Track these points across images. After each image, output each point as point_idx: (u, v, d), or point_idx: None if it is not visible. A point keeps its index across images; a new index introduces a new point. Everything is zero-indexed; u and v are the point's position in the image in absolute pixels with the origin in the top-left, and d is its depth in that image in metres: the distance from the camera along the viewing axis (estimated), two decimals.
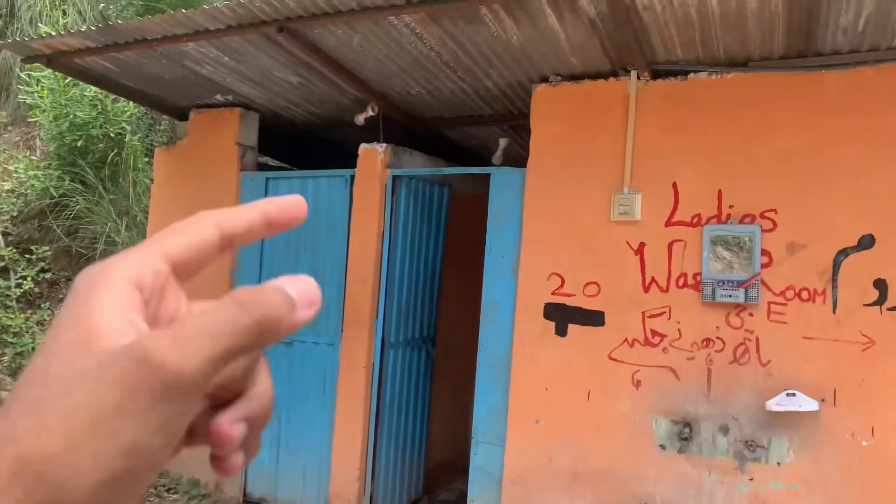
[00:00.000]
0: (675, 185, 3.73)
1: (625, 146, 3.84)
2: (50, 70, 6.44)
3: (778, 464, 3.42)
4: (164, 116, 7.34)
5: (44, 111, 6.89)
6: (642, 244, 3.79)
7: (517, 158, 5.21)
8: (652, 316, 3.73)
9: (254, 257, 5.15)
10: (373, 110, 4.73)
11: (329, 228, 4.88)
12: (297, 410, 4.94)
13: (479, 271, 4.37)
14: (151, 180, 5.95)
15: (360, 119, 4.79)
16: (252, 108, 5.31)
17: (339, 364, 4.73)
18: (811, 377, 3.38)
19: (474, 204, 5.42)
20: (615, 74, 3.93)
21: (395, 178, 4.69)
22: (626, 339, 3.78)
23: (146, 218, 6.17)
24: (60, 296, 6.88)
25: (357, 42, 3.86)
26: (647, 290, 3.76)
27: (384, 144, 4.68)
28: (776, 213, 3.50)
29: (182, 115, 5.59)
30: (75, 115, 6.82)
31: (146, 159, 7.25)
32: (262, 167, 5.71)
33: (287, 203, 0.37)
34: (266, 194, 5.09)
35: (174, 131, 6.90)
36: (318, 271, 4.92)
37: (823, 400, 3.35)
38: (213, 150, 5.30)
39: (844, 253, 3.36)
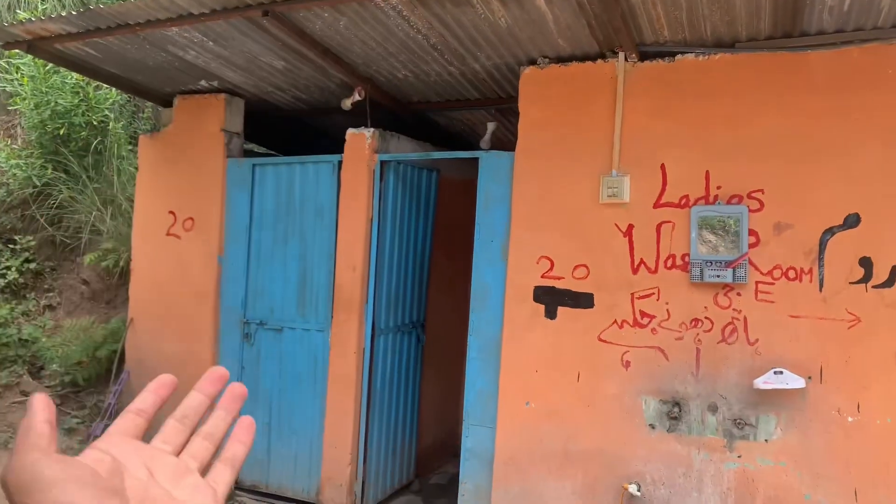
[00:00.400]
0: (662, 167, 3.74)
1: (613, 128, 3.84)
2: (30, 57, 6.35)
3: (766, 441, 3.47)
4: (148, 103, 7.26)
5: (24, 99, 6.78)
6: (631, 226, 3.80)
7: (505, 143, 5.20)
8: (641, 297, 3.76)
9: (241, 245, 5.12)
10: (360, 95, 4.70)
11: (317, 214, 4.86)
12: (288, 397, 4.94)
13: (468, 256, 4.38)
14: (136, 168, 5.89)
15: (346, 104, 4.76)
16: (237, 94, 5.26)
17: (330, 350, 4.73)
18: (798, 355, 3.42)
19: (463, 189, 5.42)
20: (603, 56, 3.92)
21: (382, 163, 4.67)
22: (615, 321, 3.81)
23: (131, 206, 6.12)
24: (45, 286, 6.82)
25: (343, 25, 3.83)
26: (635, 271, 3.78)
27: (372, 129, 4.66)
28: (763, 193, 3.53)
29: (166, 102, 5.53)
30: (57, 102, 6.72)
31: (130, 147, 7.17)
32: (248, 154, 5.67)
33: (158, 380, 0.59)
34: (253, 181, 5.07)
35: (158, 118, 6.83)
36: (306, 257, 4.91)
37: (810, 377, 3.39)
38: (199, 136, 5.26)
39: (830, 232, 3.39)
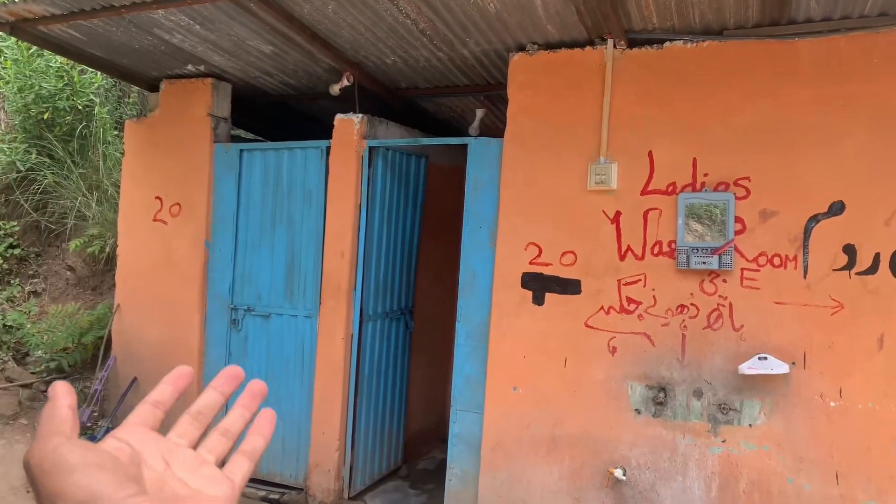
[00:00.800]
0: (650, 154, 3.76)
1: (601, 115, 3.85)
2: (13, 39, 6.26)
3: (750, 425, 3.51)
4: (134, 88, 7.19)
5: (7, 82, 6.70)
6: (618, 213, 3.82)
7: (494, 130, 5.20)
8: (627, 283, 3.78)
9: (229, 231, 5.10)
10: (348, 80, 4.67)
11: (305, 200, 4.84)
12: (276, 382, 4.93)
13: (456, 243, 4.38)
14: (122, 153, 5.84)
15: (335, 89, 4.74)
16: (224, 79, 5.22)
17: (318, 336, 4.73)
18: (782, 341, 3.46)
19: (451, 176, 5.42)
20: (592, 43, 3.92)
21: (371, 149, 4.65)
22: (602, 307, 3.83)
23: (117, 192, 6.07)
24: (30, 272, 6.76)
25: (332, 9, 3.80)
26: (622, 258, 3.80)
27: (360, 115, 4.64)
28: (749, 180, 3.55)
29: (152, 86, 5.48)
30: (41, 86, 6.64)
31: (116, 132, 7.10)
32: (236, 140, 5.63)
33: (176, 371, 0.59)
34: (240, 166, 5.04)
35: (145, 103, 6.77)
36: (294, 243, 4.90)
37: (794, 363, 3.43)
38: (186, 121, 5.21)
39: (815, 219, 3.42)
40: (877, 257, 3.32)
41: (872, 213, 3.33)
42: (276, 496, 4.78)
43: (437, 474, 5.12)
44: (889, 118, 3.32)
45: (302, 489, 4.75)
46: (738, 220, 3.55)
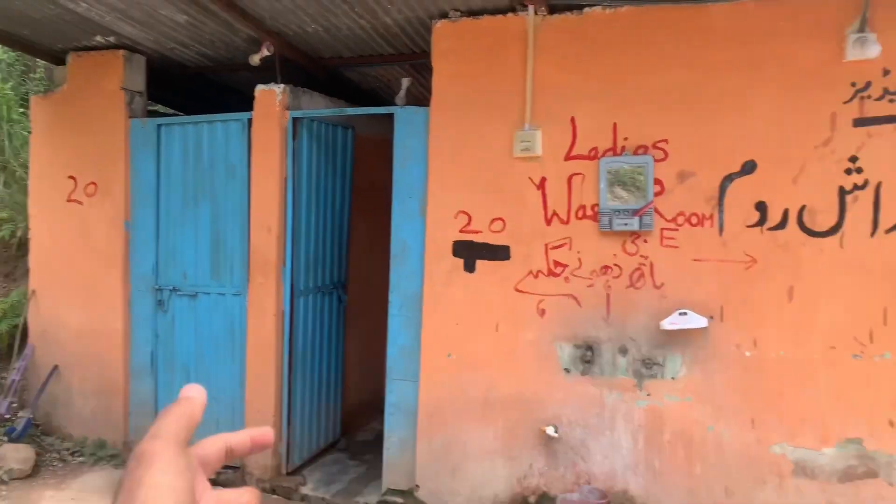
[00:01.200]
0: (573, 120, 3.82)
1: (524, 82, 3.88)
2: None
3: (672, 378, 3.67)
4: (41, 62, 6.80)
5: None
6: (544, 179, 3.88)
7: (421, 100, 5.17)
8: (554, 247, 3.86)
9: (149, 209, 4.92)
10: (268, 50, 4.54)
11: (228, 174, 4.72)
12: (206, 362, 4.84)
13: (387, 215, 4.36)
14: (29, 132, 5.53)
15: (255, 59, 4.60)
16: (137, 51, 4.99)
17: (248, 313, 4.65)
18: (701, 296, 3.62)
19: (380, 147, 5.37)
20: (514, 10, 3.93)
21: (295, 120, 4.56)
22: (530, 271, 3.90)
23: (26, 172, 5.76)
24: None
25: None
26: (549, 223, 3.87)
27: (282, 85, 4.53)
28: (667, 143, 3.66)
29: (59, 60, 5.19)
30: None
31: (22, 109, 6.71)
32: (152, 115, 5.41)
33: (264, 431, 0.60)
34: (159, 141, 4.86)
35: (52, 78, 6.40)
36: (218, 219, 4.77)
37: (712, 317, 3.60)
38: (97, 96, 4.97)
39: (730, 178, 3.57)
40: (786, 213, 3.49)
41: (781, 171, 3.50)
42: (213, 476, 4.71)
43: (376, 445, 5.14)
44: (795, 79, 3.47)
45: (238, 467, 4.70)
46: (657, 181, 3.67)
